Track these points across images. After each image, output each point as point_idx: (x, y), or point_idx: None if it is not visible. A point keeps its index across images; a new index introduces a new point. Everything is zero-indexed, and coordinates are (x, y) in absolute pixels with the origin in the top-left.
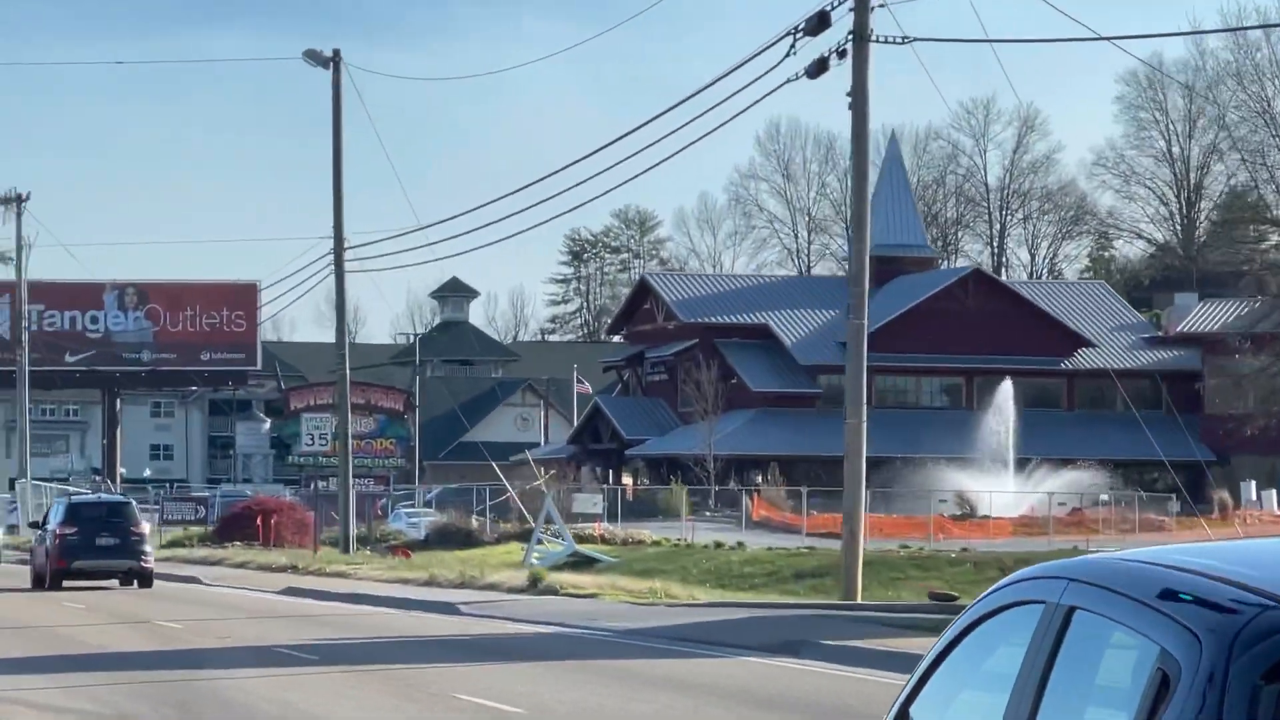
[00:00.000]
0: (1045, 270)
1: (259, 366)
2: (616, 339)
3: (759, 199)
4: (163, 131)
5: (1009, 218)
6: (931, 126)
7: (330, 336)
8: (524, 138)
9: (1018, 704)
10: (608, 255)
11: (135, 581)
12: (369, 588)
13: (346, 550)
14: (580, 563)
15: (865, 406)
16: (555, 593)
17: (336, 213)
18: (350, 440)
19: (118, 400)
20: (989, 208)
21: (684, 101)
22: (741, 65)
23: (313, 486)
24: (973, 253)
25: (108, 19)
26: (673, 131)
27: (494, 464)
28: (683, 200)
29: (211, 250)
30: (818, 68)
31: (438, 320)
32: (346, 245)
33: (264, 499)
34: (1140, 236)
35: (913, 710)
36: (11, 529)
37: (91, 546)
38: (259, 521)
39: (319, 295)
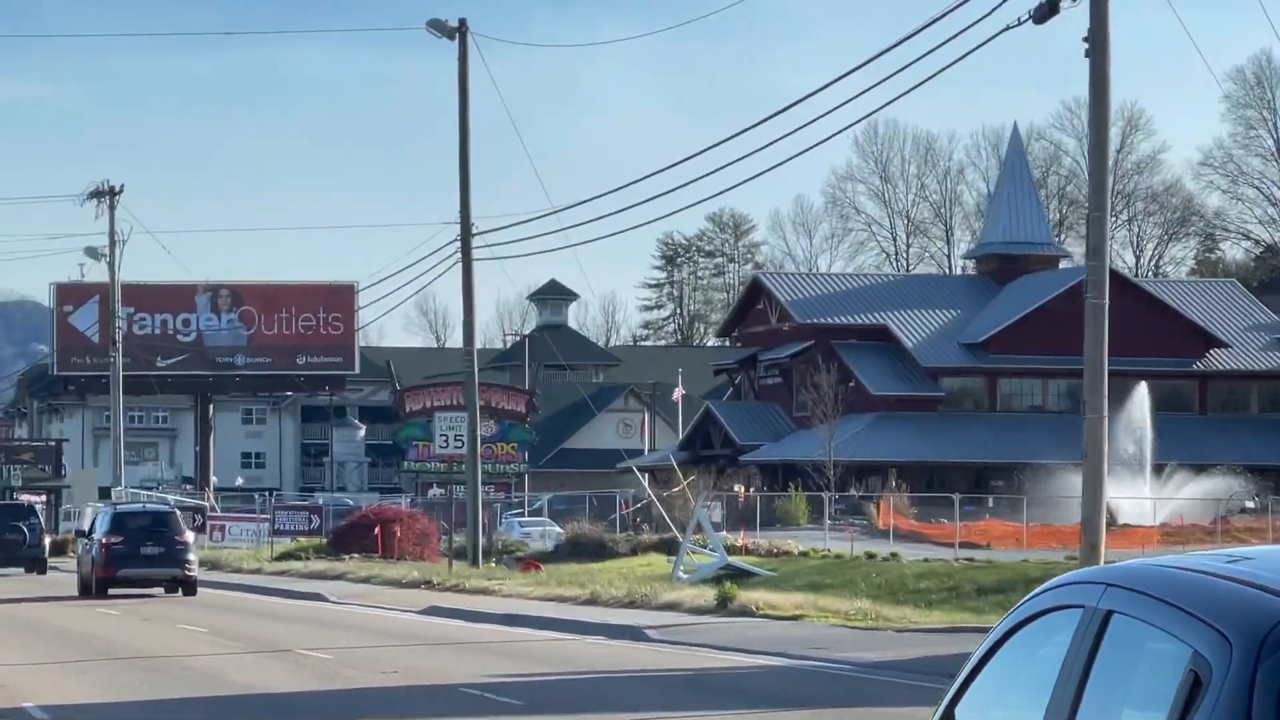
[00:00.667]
0: (1151, 273)
1: (357, 370)
2: (712, 343)
3: (856, 201)
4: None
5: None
6: (1034, 126)
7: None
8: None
9: (1057, 705)
10: (701, 259)
11: (179, 589)
12: (523, 607)
13: (475, 563)
14: (732, 576)
15: (1106, 399)
16: (749, 614)
17: (463, 194)
18: (477, 444)
19: (210, 406)
20: (1046, 218)
21: (799, 101)
22: (943, 16)
23: (428, 494)
24: (1076, 256)
25: (187, 26)
26: (809, 123)
27: (635, 470)
28: (778, 203)
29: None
30: (1048, 10)
31: (535, 324)
32: (474, 230)
33: (382, 508)
34: (1248, 237)
35: (958, 711)
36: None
37: (136, 555)
38: (377, 532)
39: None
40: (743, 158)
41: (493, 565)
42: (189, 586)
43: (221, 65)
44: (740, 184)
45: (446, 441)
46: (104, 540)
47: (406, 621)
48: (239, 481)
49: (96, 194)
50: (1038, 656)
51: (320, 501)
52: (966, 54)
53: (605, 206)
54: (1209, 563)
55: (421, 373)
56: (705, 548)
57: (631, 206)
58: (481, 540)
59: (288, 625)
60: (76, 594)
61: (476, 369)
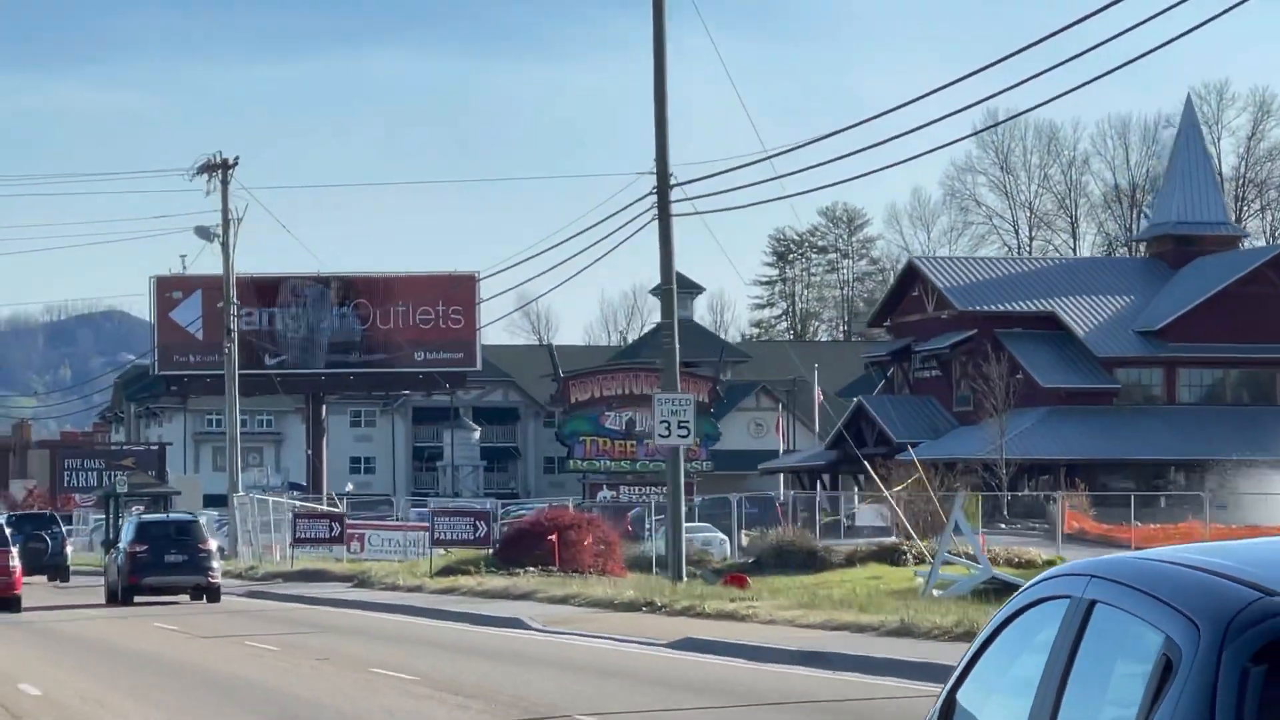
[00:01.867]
0: None
1: (479, 366)
2: (856, 338)
3: (976, 193)
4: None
5: (1244, 208)
6: (1161, 113)
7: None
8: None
9: (1046, 688)
10: (814, 255)
11: (204, 596)
12: (807, 638)
13: (679, 577)
14: (996, 590)
15: None
16: None
17: (659, 137)
18: (669, 438)
19: (324, 407)
20: (1223, 197)
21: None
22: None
23: (597, 496)
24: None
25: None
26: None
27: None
28: (894, 196)
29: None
30: None
31: (656, 319)
32: (673, 181)
33: (557, 512)
34: None
35: (959, 696)
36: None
37: (161, 563)
38: (553, 541)
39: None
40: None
41: (699, 580)
42: (212, 593)
43: (303, 70)
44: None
45: (595, 439)
46: (129, 549)
47: (664, 661)
48: (349, 487)
49: (208, 167)
50: (1030, 644)
51: (487, 506)
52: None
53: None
54: (1186, 555)
55: (537, 372)
56: (962, 557)
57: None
58: (644, 548)
59: (514, 669)
60: (104, 601)
61: (676, 340)
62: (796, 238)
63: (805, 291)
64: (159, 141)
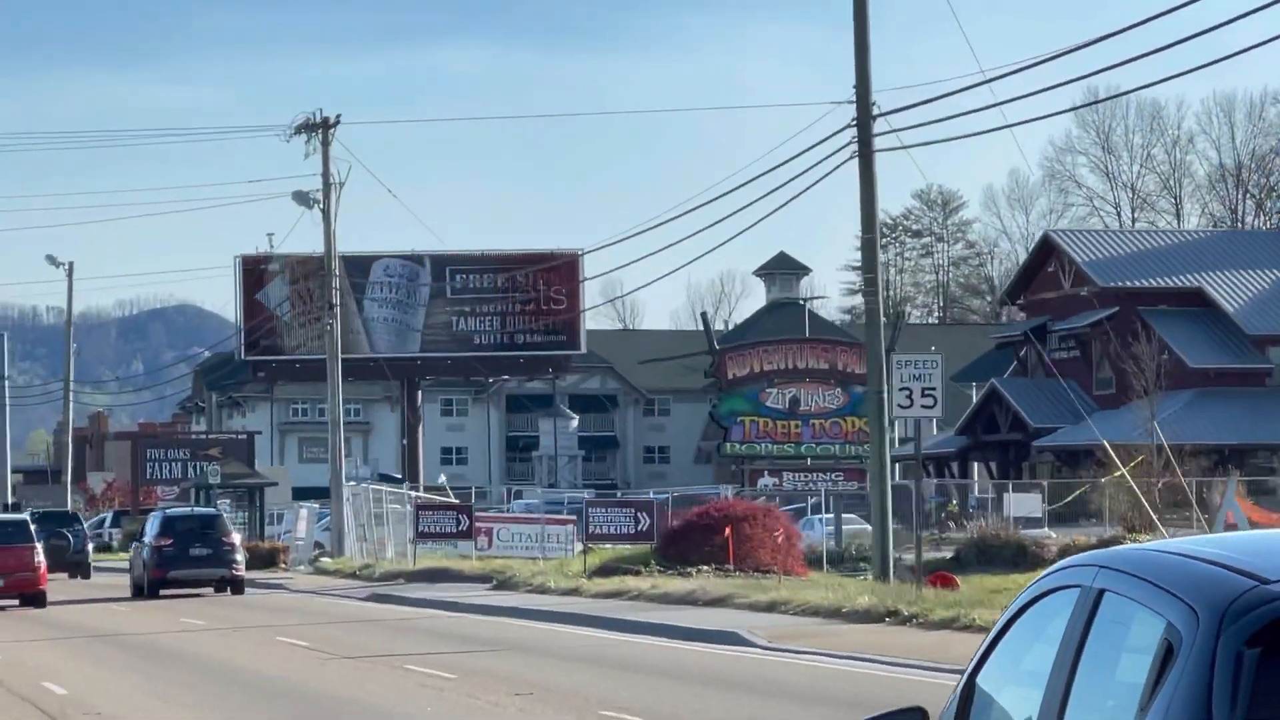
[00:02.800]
0: None
1: (583, 349)
2: (974, 320)
3: (1076, 174)
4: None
5: None
6: (1268, 90)
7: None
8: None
9: (1058, 673)
10: (908, 239)
11: (228, 589)
12: None
13: (885, 577)
14: None
15: None
16: None
17: (860, 61)
18: (884, 412)
19: (419, 393)
20: None
21: None
22: None
23: (758, 484)
24: None
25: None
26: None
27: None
28: (991, 178)
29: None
30: None
31: (764, 301)
32: (876, 111)
33: (729, 502)
34: None
35: (979, 679)
36: (318, 549)
37: (186, 557)
38: (728, 535)
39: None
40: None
41: (906, 581)
42: (236, 585)
43: (373, 66)
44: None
45: (755, 420)
46: (154, 543)
47: None
48: (441, 478)
49: (307, 127)
50: (1044, 631)
51: (651, 496)
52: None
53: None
54: (1190, 546)
55: (635, 357)
56: None
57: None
58: (826, 546)
59: (779, 705)
60: (130, 595)
61: (881, 302)
62: (890, 221)
63: (899, 276)
64: (233, 134)
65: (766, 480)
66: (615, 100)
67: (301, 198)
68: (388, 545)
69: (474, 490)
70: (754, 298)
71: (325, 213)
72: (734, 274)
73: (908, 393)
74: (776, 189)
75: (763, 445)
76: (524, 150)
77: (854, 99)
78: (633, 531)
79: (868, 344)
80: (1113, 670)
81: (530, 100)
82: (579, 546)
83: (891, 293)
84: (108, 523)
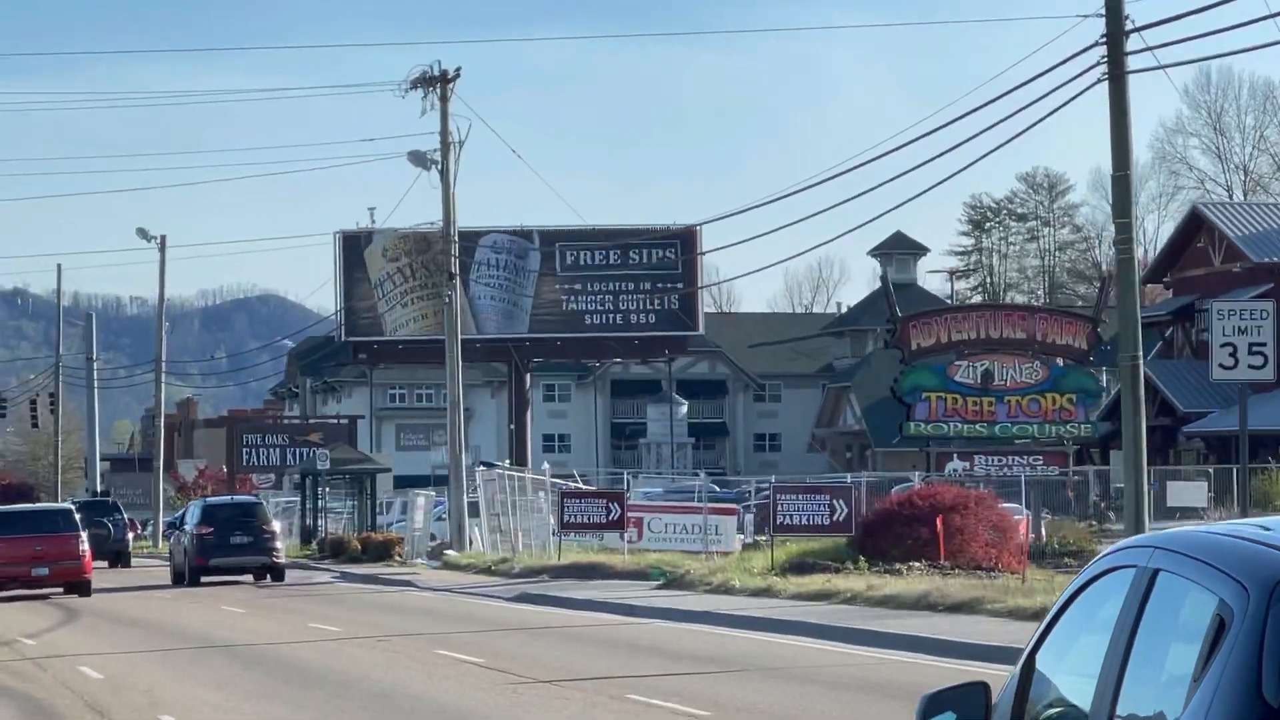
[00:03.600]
0: None
1: (700, 330)
2: (1080, 308)
3: (1187, 156)
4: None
5: None
6: None
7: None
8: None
9: (1115, 648)
10: (1012, 223)
11: (268, 576)
12: None
13: None
14: None
15: None
16: None
17: None
18: (1140, 382)
19: (527, 376)
20: None
21: None
22: None
23: (946, 469)
24: None
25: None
26: None
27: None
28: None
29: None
30: None
31: (845, 292)
32: (1130, 26)
33: (934, 488)
34: None
35: (1038, 657)
36: (432, 543)
37: (227, 544)
38: (938, 525)
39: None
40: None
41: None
42: (277, 573)
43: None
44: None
45: (943, 398)
46: (195, 531)
47: None
48: (545, 467)
49: (424, 81)
50: (1101, 609)
51: (848, 481)
52: None
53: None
54: (1240, 529)
55: (746, 341)
56: None
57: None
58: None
59: None
60: (170, 582)
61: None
62: (994, 205)
63: (1003, 262)
64: (319, 124)
65: (955, 464)
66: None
67: (418, 158)
68: (517, 536)
69: (580, 479)
70: (854, 284)
71: (443, 173)
72: (831, 259)
73: (1230, 350)
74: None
75: (951, 424)
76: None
77: (1103, 11)
78: (827, 522)
79: (1119, 302)
80: (1167, 644)
81: (612, 88)
82: (740, 538)
83: (995, 279)
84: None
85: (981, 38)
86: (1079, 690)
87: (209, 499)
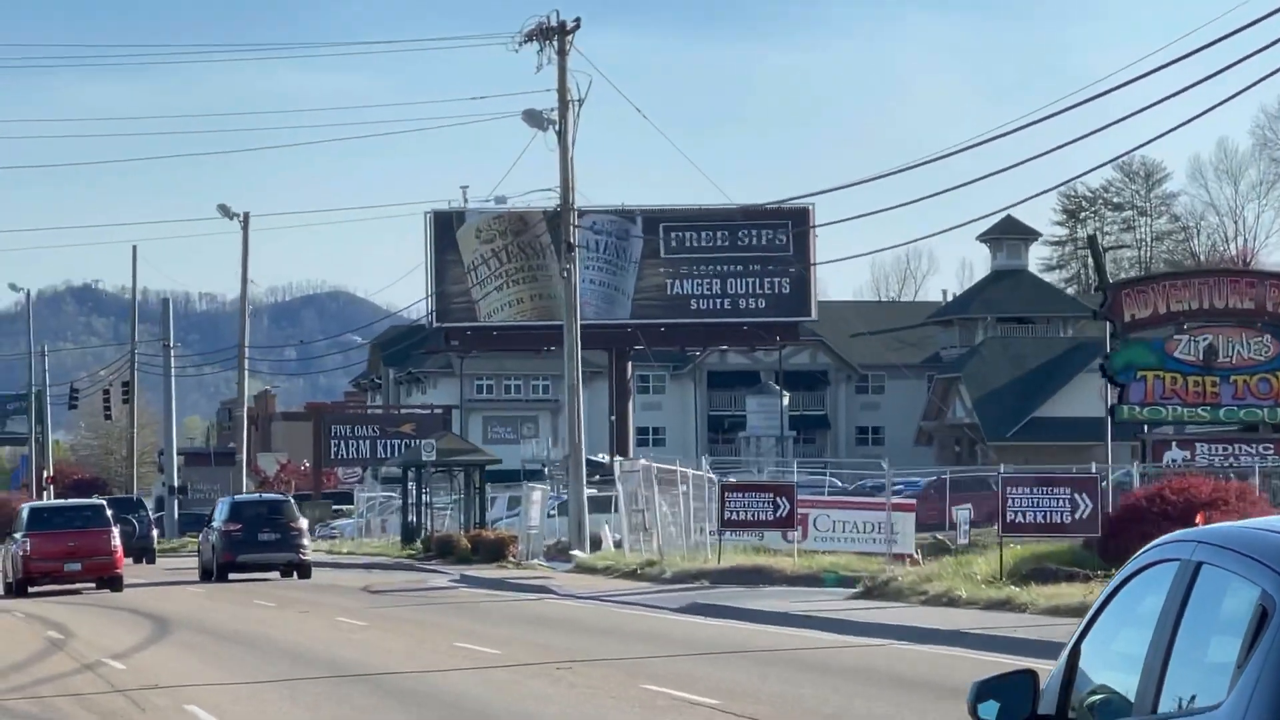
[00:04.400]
0: None
1: (814, 316)
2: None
3: None
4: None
5: None
6: None
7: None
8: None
9: (1159, 637)
10: (1108, 213)
11: (294, 573)
12: None
13: None
14: None
15: None
16: None
17: None
18: None
19: (628, 365)
20: None
21: None
22: None
23: (1164, 458)
24: None
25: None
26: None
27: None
28: (1198, 148)
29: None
30: None
31: (988, 270)
32: None
33: (1187, 480)
34: None
35: (1084, 645)
36: (547, 542)
37: (255, 541)
38: (1199, 523)
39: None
40: None
41: None
42: (304, 570)
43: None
44: None
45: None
46: (223, 528)
47: None
48: (642, 462)
49: (539, 33)
50: (1144, 601)
51: (1094, 471)
52: None
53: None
54: (1278, 524)
55: (848, 329)
56: None
57: None
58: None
59: None
60: (198, 579)
61: None
62: (1089, 194)
63: (1111, 251)
64: (382, 119)
65: (1175, 453)
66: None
67: (533, 117)
68: (658, 537)
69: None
70: (940, 275)
71: (560, 134)
72: (920, 250)
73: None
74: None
75: (1169, 407)
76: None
77: None
78: (1068, 520)
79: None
80: (1210, 635)
81: (680, 81)
82: (913, 537)
83: (1089, 271)
84: None
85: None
86: (1123, 679)
87: (238, 496)
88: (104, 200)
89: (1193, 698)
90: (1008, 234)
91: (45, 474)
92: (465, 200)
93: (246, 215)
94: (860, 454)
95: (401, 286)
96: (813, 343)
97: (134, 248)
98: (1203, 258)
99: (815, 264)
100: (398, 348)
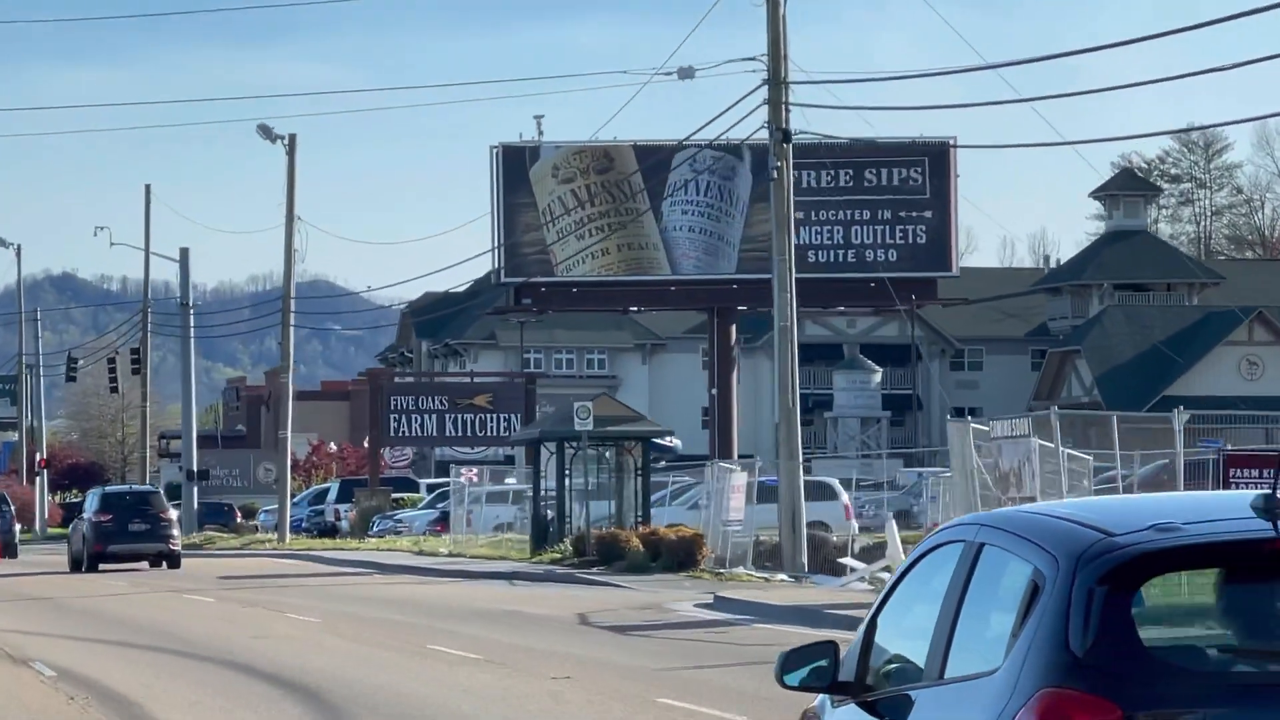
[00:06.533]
0: None
1: (955, 271)
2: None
3: None
4: None
5: None
6: None
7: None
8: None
9: (946, 611)
10: (1165, 185)
11: (164, 563)
12: None
13: None
14: None
15: None
16: None
17: None
18: None
19: (732, 329)
20: None
21: None
22: None
23: None
24: None
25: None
26: None
27: None
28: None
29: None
30: None
31: (1102, 230)
32: None
33: None
34: None
35: (879, 619)
36: (739, 545)
37: (125, 532)
38: None
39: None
40: None
41: None
42: (173, 560)
43: (504, 43)
44: None
45: None
46: (93, 518)
47: None
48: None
49: None
50: (934, 579)
51: None
52: None
53: None
54: (1053, 508)
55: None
56: None
57: None
58: None
59: None
60: (67, 570)
61: None
62: (1144, 165)
63: (1154, 227)
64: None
65: None
66: None
67: None
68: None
69: (757, 464)
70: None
71: None
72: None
73: None
74: None
75: None
76: None
77: None
78: None
79: None
80: (991, 606)
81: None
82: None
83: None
84: (332, 496)
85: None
86: (915, 649)
87: (108, 488)
88: (82, 184)
89: (976, 664)
90: (1125, 189)
91: (39, 457)
92: (540, 132)
93: (293, 138)
94: None
95: (435, 245)
96: (899, 312)
97: (147, 187)
98: (1267, 232)
99: (956, 209)
100: (432, 316)
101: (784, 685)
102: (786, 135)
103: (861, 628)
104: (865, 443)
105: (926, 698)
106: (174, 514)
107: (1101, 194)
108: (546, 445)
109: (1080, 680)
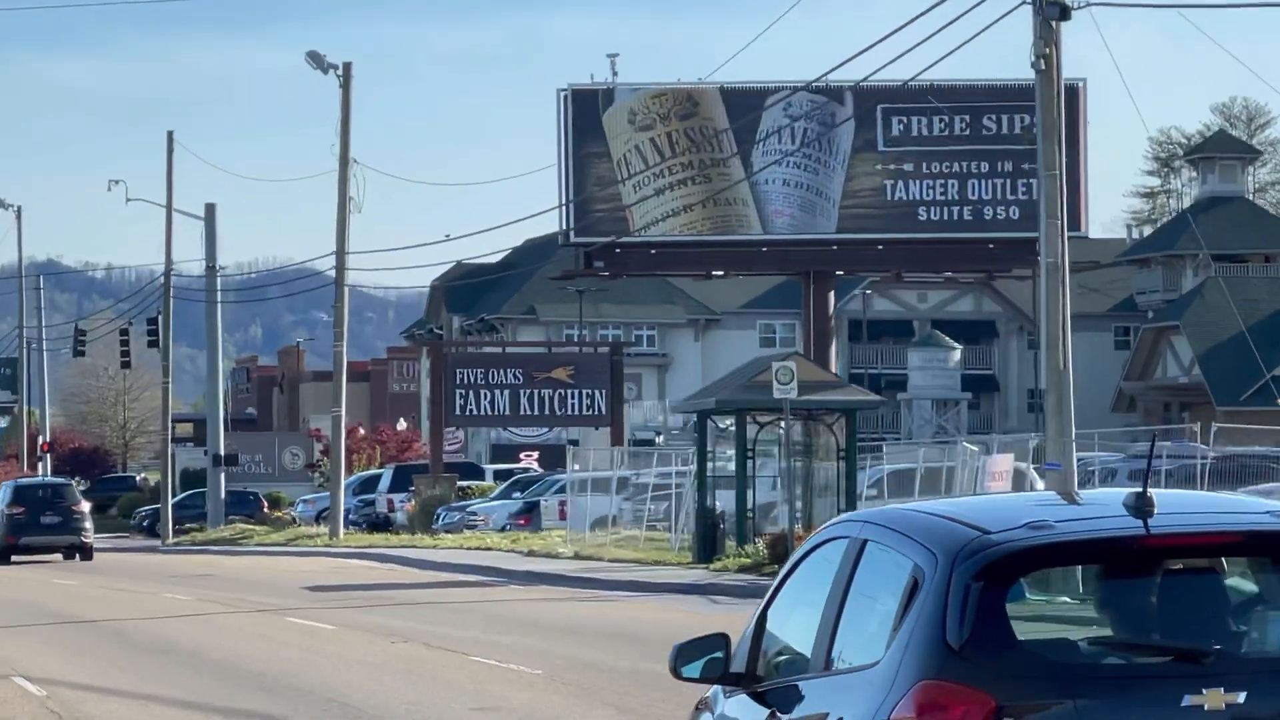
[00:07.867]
0: None
1: (1086, 232)
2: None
3: None
4: None
5: None
6: None
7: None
8: None
9: (831, 605)
10: (1204, 162)
11: (77, 555)
12: None
13: None
14: None
15: None
16: None
17: None
18: None
19: (829, 295)
20: None
21: None
22: None
23: None
24: None
25: None
26: None
27: None
28: None
29: None
30: None
31: (1192, 194)
32: None
33: None
34: None
35: (769, 613)
36: None
37: (37, 524)
38: None
39: None
40: None
41: None
42: (85, 552)
43: (483, 34)
44: None
45: None
46: (5, 511)
47: None
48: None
49: None
50: (820, 573)
51: None
52: None
53: None
54: (933, 507)
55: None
56: None
57: None
58: None
59: None
60: None
61: None
62: (1183, 139)
63: (1192, 205)
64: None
65: None
66: None
67: None
68: None
69: (1030, 441)
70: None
71: None
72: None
73: None
74: None
75: None
76: None
77: None
78: None
79: None
80: (873, 601)
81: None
82: None
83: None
84: (384, 484)
85: None
86: (802, 640)
87: (20, 480)
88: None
89: (858, 655)
90: (1220, 151)
91: (41, 440)
92: (614, 74)
93: (347, 67)
94: (1034, 421)
95: (383, 277)
96: (976, 285)
97: (169, 133)
98: None
99: (1086, 157)
100: (465, 286)
101: (679, 677)
102: (1064, 10)
103: (752, 621)
104: (942, 426)
105: (814, 688)
106: (86, 506)
107: (1196, 157)
108: (708, 419)
109: (956, 672)
